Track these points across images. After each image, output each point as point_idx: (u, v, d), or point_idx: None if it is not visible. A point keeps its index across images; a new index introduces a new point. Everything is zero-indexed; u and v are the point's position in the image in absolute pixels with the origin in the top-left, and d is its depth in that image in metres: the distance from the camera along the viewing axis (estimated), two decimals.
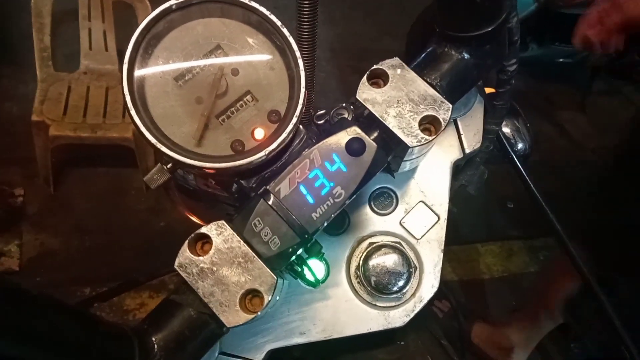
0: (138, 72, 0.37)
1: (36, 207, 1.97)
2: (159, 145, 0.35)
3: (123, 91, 0.35)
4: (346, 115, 0.42)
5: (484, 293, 2.02)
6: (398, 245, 0.39)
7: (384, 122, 0.34)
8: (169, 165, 0.39)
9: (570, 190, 2.59)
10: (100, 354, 0.28)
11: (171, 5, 0.36)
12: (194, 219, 0.73)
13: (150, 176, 0.39)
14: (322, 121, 0.44)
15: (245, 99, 0.38)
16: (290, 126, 0.36)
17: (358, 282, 0.40)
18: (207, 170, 0.37)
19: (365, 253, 0.39)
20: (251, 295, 0.31)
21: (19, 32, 2.24)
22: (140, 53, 0.37)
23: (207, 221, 0.72)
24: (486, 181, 0.56)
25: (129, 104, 0.35)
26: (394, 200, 0.41)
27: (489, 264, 2.23)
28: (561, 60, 3.07)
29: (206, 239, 0.32)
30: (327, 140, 0.33)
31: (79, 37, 2.02)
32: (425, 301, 0.40)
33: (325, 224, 0.32)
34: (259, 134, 0.37)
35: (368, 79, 0.35)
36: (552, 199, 0.65)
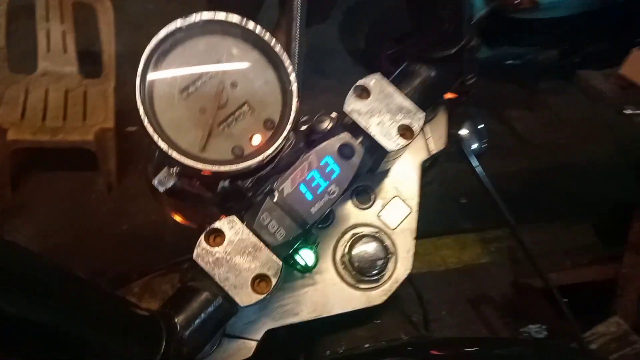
0: (147, 86, 0.41)
1: None
2: (170, 152, 0.40)
3: (137, 103, 0.39)
4: (327, 122, 0.47)
5: (441, 283, 2.14)
6: (377, 234, 0.46)
7: (367, 130, 0.40)
8: (175, 169, 0.44)
9: (519, 183, 2.76)
10: (137, 332, 0.32)
11: (181, 27, 0.41)
12: (178, 218, 0.77)
13: (159, 179, 0.44)
14: (305, 127, 0.49)
15: (243, 109, 0.43)
16: (285, 133, 0.41)
17: (343, 268, 0.46)
18: (208, 173, 0.42)
19: (349, 242, 0.45)
20: (259, 279, 0.36)
21: None
22: (150, 68, 0.41)
23: (191, 220, 0.76)
24: (441, 179, 0.63)
25: (143, 115, 0.39)
26: (373, 196, 0.48)
27: (444, 256, 2.35)
28: (510, 61, 3.23)
29: (218, 233, 0.37)
30: (322, 145, 0.39)
31: (33, 36, 1.98)
32: (400, 282, 0.46)
33: (322, 216, 0.38)
34: (257, 140, 0.43)
35: (353, 92, 0.41)
36: (503, 192, 0.73)
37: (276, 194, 0.38)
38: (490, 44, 3.03)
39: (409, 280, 0.50)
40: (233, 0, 1.97)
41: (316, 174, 0.38)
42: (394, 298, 0.53)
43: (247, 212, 0.39)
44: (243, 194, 0.46)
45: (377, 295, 0.46)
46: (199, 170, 0.42)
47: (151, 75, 0.41)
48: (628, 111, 1.65)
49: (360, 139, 0.40)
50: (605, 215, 2.55)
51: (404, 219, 0.48)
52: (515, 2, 2.59)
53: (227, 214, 0.58)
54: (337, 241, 0.46)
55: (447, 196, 2.45)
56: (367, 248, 0.45)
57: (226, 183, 0.47)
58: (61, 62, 2.04)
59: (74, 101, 2.01)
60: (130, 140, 2.37)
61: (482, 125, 0.72)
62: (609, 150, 3.07)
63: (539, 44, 3.05)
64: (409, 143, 0.40)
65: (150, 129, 0.40)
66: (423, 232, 0.52)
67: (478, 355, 0.43)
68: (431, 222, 0.53)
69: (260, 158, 0.41)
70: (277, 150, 0.42)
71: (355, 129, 0.41)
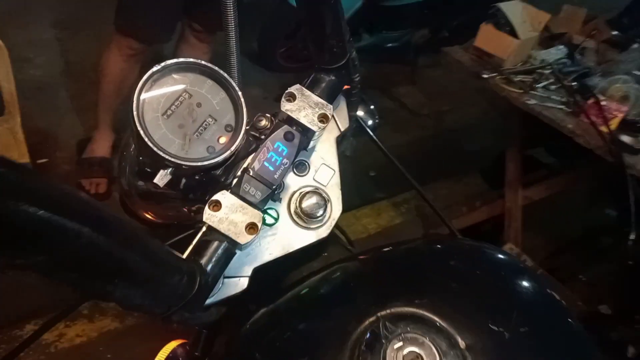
0: (141, 116, 0.58)
1: None
2: (167, 157, 0.58)
3: (139, 131, 0.56)
4: (264, 120, 0.68)
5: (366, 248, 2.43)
6: (316, 190, 0.67)
7: (299, 120, 0.61)
8: (168, 170, 0.62)
9: (415, 150, 3.13)
10: (183, 269, 0.51)
11: (156, 70, 0.59)
12: (149, 216, 0.95)
13: (159, 178, 0.61)
14: (248, 126, 0.69)
15: (208, 120, 0.62)
16: (242, 133, 0.61)
17: (297, 217, 0.67)
18: (193, 168, 0.61)
19: (298, 198, 0.66)
20: (250, 226, 0.56)
21: None
22: (140, 104, 0.58)
23: (158, 216, 0.94)
24: (351, 157, 0.86)
25: (145, 138, 0.57)
26: (307, 166, 0.69)
27: (365, 224, 2.65)
28: (390, 44, 3.61)
29: (216, 203, 0.57)
30: (273, 135, 0.60)
31: None
32: (336, 219, 0.68)
33: (281, 179, 0.59)
34: (223, 140, 0.62)
35: (284, 97, 0.62)
36: (402, 160, 0.97)
37: (251, 170, 0.58)
38: (370, 31, 3.38)
39: (337, 225, 0.73)
40: (144, 24, 2.08)
41: (273, 154, 0.59)
42: (334, 236, 0.76)
43: (232, 186, 0.58)
44: (217, 180, 0.65)
45: (323, 231, 0.67)
46: (187, 167, 0.60)
47: (141, 108, 0.59)
48: (485, 75, 2.02)
49: (294, 127, 0.62)
50: (488, 163, 2.99)
51: (331, 177, 0.70)
52: None
53: (189, 204, 0.77)
54: (289, 200, 0.67)
55: (358, 172, 2.75)
56: (311, 200, 0.66)
57: (190, 179, 0.66)
58: None
59: None
60: (43, 172, 2.37)
61: (373, 106, 0.97)
62: (481, 109, 3.56)
63: (410, 26, 3.45)
64: (326, 125, 0.62)
65: (151, 145, 0.57)
66: (343, 206, 0.73)
67: (391, 251, 0.66)
68: (348, 197, 0.75)
69: (228, 153, 0.60)
70: (238, 146, 0.62)
71: (291, 121, 0.62)
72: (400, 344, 0.49)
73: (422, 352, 0.49)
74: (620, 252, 1.67)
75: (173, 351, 0.87)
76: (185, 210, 0.80)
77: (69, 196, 0.36)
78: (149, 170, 0.75)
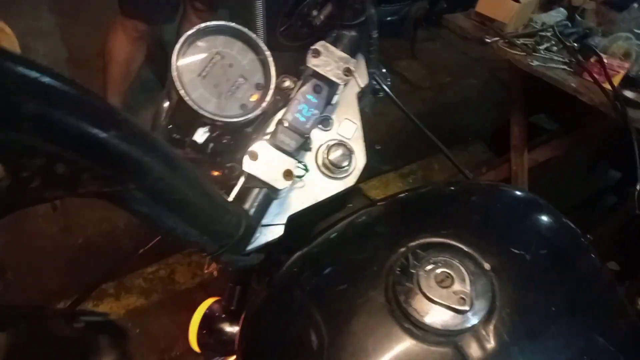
0: (179, 78, 0.63)
1: None
2: (206, 114, 0.62)
3: (179, 91, 0.61)
4: (288, 81, 0.72)
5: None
6: (341, 142, 0.72)
7: (325, 74, 0.65)
8: (207, 127, 0.66)
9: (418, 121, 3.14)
10: (234, 209, 0.55)
11: (190, 34, 0.63)
12: None
13: (198, 135, 0.66)
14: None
15: (240, 80, 0.66)
16: (271, 91, 0.66)
17: (325, 168, 0.71)
18: (228, 124, 0.65)
19: (325, 151, 0.71)
20: (286, 173, 0.61)
21: None
22: (178, 67, 0.63)
23: None
24: (369, 106, 0.90)
25: (185, 97, 0.61)
26: (331, 121, 0.74)
27: (373, 196, 2.70)
28: (389, 18, 3.61)
29: (254, 153, 0.61)
30: (303, 88, 0.64)
31: None
32: (361, 169, 0.73)
33: (312, 129, 0.63)
34: (254, 98, 0.67)
35: (310, 54, 0.66)
36: (407, 133, 1.01)
37: (285, 122, 0.63)
38: None
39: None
40: (148, 4, 2.11)
41: (304, 106, 0.63)
42: (358, 189, 0.81)
43: (270, 137, 0.63)
44: (248, 137, 0.70)
45: (349, 180, 0.72)
46: (224, 122, 0.64)
47: (179, 70, 0.63)
48: (488, 40, 2.05)
49: (322, 81, 0.66)
50: (492, 132, 3.03)
51: (354, 131, 0.74)
52: None
53: (215, 168, 0.82)
54: (316, 153, 0.72)
55: (365, 147, 2.78)
56: (337, 151, 0.71)
57: (216, 143, 0.70)
58: None
59: None
60: None
61: (384, 69, 1.01)
62: (483, 79, 3.58)
63: None
64: (350, 78, 0.67)
65: (191, 103, 0.62)
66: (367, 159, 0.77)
67: (413, 194, 0.71)
68: None
69: (260, 110, 0.65)
70: (269, 103, 0.66)
71: (317, 75, 0.66)
72: (432, 266, 0.54)
73: (452, 272, 0.54)
74: (627, 205, 1.71)
75: (210, 307, 0.93)
76: (212, 174, 0.85)
77: (148, 134, 0.41)
78: (177, 137, 0.79)
